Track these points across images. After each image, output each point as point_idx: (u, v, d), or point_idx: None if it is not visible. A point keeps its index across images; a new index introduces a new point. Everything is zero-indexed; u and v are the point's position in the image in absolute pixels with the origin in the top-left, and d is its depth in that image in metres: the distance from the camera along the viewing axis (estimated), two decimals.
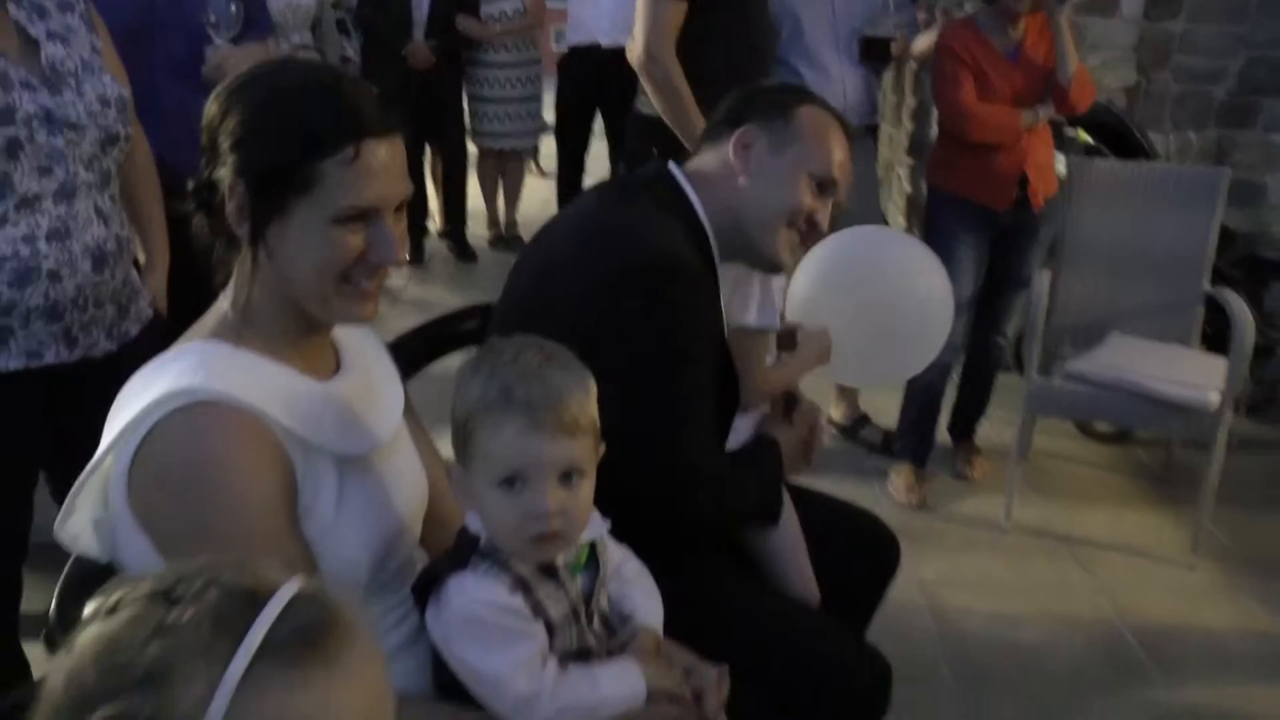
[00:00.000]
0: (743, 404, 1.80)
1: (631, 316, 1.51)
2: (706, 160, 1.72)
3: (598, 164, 5.79)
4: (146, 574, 0.68)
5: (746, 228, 1.67)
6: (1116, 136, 3.54)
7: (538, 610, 1.20)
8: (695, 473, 1.59)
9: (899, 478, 3.44)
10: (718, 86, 1.99)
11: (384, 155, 1.15)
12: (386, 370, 1.38)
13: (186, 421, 1.08)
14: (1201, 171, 3.50)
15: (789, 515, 1.76)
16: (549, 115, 5.81)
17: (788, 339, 2.00)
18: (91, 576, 1.18)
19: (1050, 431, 3.75)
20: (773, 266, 1.75)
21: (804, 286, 2.18)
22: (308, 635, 0.65)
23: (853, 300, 2.12)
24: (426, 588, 1.23)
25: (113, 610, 0.65)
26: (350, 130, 1.12)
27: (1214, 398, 2.93)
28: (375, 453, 1.27)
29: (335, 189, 1.12)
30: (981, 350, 3.54)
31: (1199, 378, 3.01)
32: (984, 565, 3.08)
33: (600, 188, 1.77)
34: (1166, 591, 2.98)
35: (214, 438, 1.08)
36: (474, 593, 1.18)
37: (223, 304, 1.21)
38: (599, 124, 5.54)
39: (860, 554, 1.94)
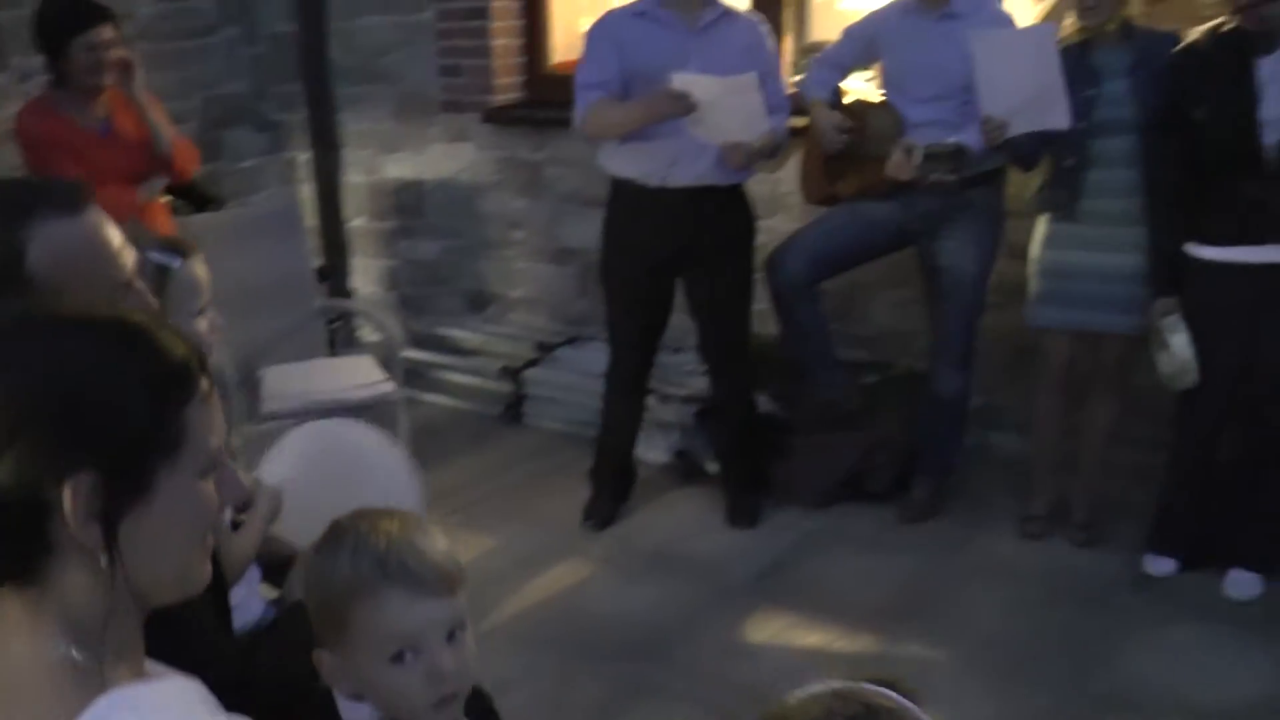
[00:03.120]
0: (229, 579, 1.74)
1: None
2: None
3: None
4: None
5: None
6: (189, 192, 3.63)
7: None
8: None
9: None
10: None
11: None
12: None
13: None
14: (277, 210, 3.84)
15: None
16: None
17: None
18: None
19: None
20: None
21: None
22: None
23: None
24: None
25: None
26: (193, 359, 0.90)
27: (390, 386, 3.39)
28: None
29: (200, 435, 0.89)
30: None
31: (364, 376, 3.43)
32: None
33: None
34: None
35: None
36: None
37: (59, 650, 0.84)
38: None
39: None
